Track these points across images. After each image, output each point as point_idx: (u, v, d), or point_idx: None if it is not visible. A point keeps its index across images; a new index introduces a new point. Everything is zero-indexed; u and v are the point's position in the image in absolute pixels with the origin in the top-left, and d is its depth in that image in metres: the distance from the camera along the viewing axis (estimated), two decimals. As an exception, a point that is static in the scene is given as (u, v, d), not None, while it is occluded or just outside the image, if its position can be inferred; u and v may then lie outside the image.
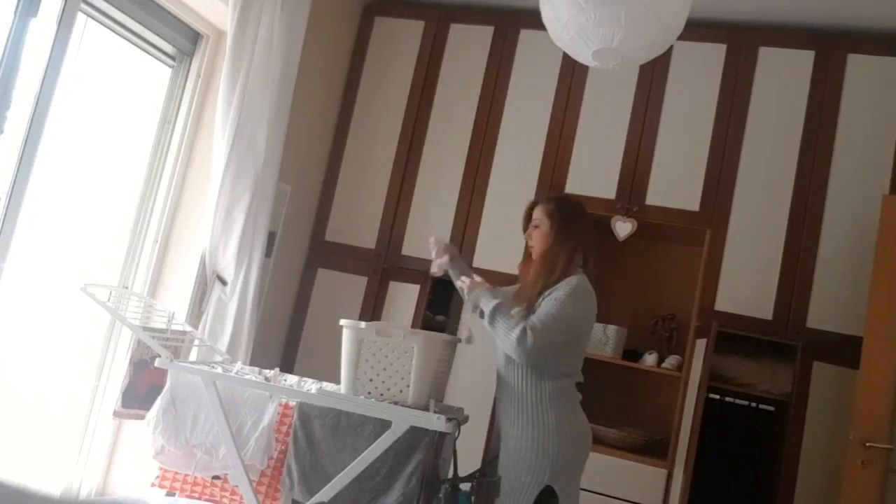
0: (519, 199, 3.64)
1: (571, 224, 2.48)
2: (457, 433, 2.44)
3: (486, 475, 2.46)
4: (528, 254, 2.62)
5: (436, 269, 2.66)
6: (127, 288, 3.14)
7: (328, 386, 2.64)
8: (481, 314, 2.40)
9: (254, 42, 3.12)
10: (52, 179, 2.80)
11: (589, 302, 2.44)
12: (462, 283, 2.51)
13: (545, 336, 2.29)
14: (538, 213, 2.53)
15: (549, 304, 2.35)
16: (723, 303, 3.35)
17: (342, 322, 2.42)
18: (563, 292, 2.36)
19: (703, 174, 3.47)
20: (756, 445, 3.49)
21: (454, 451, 2.53)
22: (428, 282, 3.73)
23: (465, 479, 2.46)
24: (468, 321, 2.49)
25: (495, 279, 3.59)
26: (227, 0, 3.05)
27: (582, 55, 2.41)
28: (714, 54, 3.55)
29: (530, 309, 2.38)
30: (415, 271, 3.76)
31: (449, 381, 2.67)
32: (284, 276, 3.79)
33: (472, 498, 2.44)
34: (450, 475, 2.51)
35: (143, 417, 2.73)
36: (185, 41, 3.29)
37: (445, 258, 2.64)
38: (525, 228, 2.60)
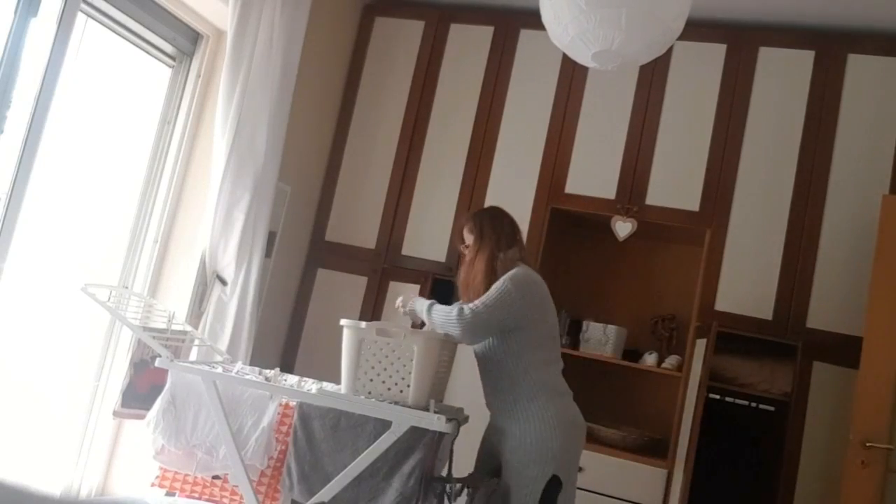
0: (519, 199, 3.65)
1: (493, 231, 2.59)
2: (456, 433, 2.44)
3: (482, 478, 2.48)
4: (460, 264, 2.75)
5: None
6: (127, 288, 3.14)
7: (328, 386, 2.64)
8: (422, 323, 2.57)
9: (254, 42, 3.12)
10: (52, 179, 2.80)
11: (531, 287, 2.49)
12: (399, 303, 2.65)
13: (482, 312, 2.38)
14: (465, 233, 2.66)
15: (491, 289, 2.45)
16: (723, 303, 3.35)
17: (342, 322, 2.42)
18: (500, 281, 2.45)
19: (703, 174, 3.47)
20: (756, 445, 3.50)
21: (451, 452, 2.53)
22: (428, 282, 3.73)
23: (460, 481, 2.46)
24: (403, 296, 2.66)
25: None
26: (227, 0, 3.05)
27: (581, 57, 2.41)
28: (714, 54, 3.55)
29: None
30: (415, 271, 3.76)
31: (449, 381, 2.67)
32: (284, 276, 3.79)
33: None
34: (443, 475, 2.51)
35: (143, 417, 2.73)
36: (185, 41, 3.29)
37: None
38: (459, 247, 2.73)
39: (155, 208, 3.26)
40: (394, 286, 3.79)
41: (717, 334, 3.15)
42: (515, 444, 2.40)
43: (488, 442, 2.56)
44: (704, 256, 3.38)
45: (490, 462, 2.52)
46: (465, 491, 2.47)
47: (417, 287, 3.74)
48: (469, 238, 2.62)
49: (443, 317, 2.42)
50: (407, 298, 2.63)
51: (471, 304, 2.40)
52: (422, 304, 2.52)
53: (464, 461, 2.58)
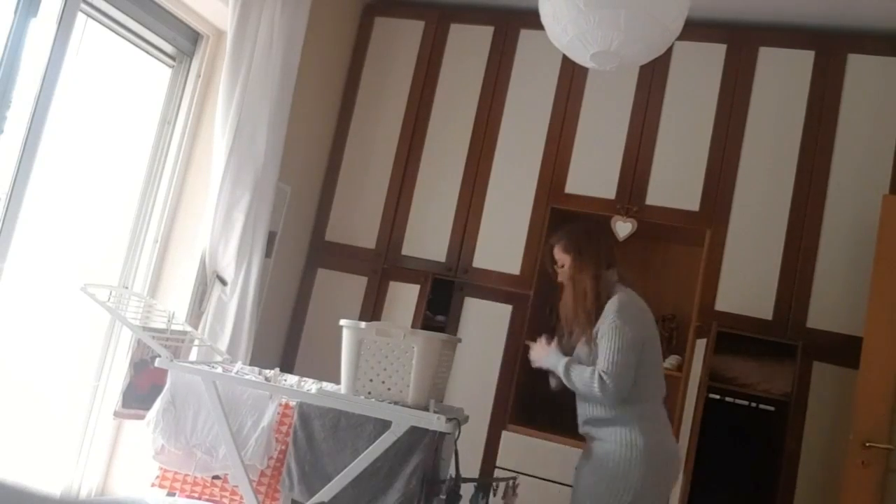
0: (519, 199, 3.66)
1: (592, 251, 2.50)
2: (457, 433, 2.44)
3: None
4: (560, 288, 2.62)
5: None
6: (127, 288, 3.14)
7: (328, 386, 2.64)
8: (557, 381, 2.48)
9: (254, 42, 3.12)
10: (52, 179, 2.80)
11: (641, 318, 2.43)
12: (533, 352, 2.54)
13: (618, 372, 2.31)
14: (558, 254, 2.55)
15: (603, 340, 2.36)
16: (723, 303, 3.35)
17: (342, 322, 2.42)
18: (610, 320, 2.36)
19: (703, 174, 3.47)
20: (756, 445, 3.49)
21: (455, 452, 2.53)
22: (428, 282, 3.73)
23: (472, 480, 2.47)
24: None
25: (495, 279, 3.61)
26: (227, 0, 3.05)
27: (580, 57, 2.41)
28: (714, 54, 3.55)
29: (585, 337, 2.43)
30: (415, 271, 3.76)
31: (449, 381, 2.67)
32: (284, 276, 3.79)
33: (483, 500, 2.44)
34: (451, 476, 2.51)
35: (143, 417, 2.73)
36: (185, 41, 3.29)
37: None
38: (552, 269, 2.61)
39: (155, 208, 3.26)
40: (394, 286, 3.79)
41: (717, 334, 3.15)
42: (596, 465, 2.37)
43: (577, 470, 2.52)
44: (704, 256, 3.38)
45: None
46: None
47: (417, 287, 3.73)
48: (565, 259, 2.49)
49: (585, 385, 2.35)
50: (538, 354, 2.52)
51: (602, 368, 2.31)
52: (557, 361, 2.43)
53: (464, 461, 2.58)
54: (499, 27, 3.86)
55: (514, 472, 2.94)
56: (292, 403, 2.61)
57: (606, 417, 2.40)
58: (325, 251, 3.93)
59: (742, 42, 3.52)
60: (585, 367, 2.38)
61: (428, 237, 3.78)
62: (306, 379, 2.75)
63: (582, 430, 2.52)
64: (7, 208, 2.56)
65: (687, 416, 3.10)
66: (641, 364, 2.39)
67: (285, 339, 3.88)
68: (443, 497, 2.40)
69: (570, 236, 2.53)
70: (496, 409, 3.45)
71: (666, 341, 3.57)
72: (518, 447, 3.24)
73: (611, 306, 2.39)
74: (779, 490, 3.17)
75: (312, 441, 2.54)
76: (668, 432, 2.47)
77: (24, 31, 2.53)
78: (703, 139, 3.50)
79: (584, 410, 2.48)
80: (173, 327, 2.72)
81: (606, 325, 2.36)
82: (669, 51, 3.43)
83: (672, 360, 3.39)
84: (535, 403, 3.54)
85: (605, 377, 2.31)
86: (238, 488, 2.57)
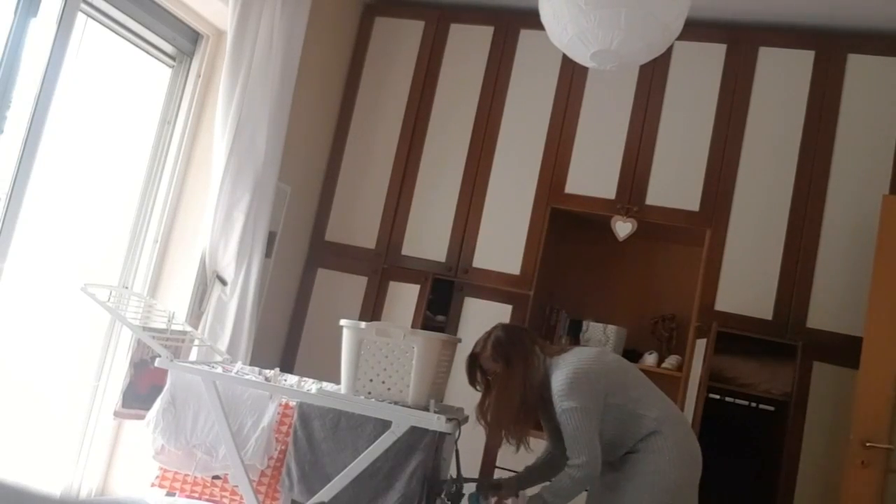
0: (519, 199, 3.66)
1: (515, 352, 2.39)
2: (457, 433, 2.44)
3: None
4: (487, 393, 2.49)
5: None
6: (127, 288, 3.14)
7: (328, 386, 2.64)
8: None
9: (254, 42, 3.12)
10: (52, 179, 2.80)
11: (586, 381, 2.32)
12: None
13: (586, 454, 2.25)
14: (486, 363, 2.44)
15: (564, 427, 2.30)
16: (723, 303, 3.35)
17: (342, 322, 2.42)
18: (559, 408, 2.30)
19: (703, 174, 3.47)
20: (756, 445, 3.49)
21: (456, 451, 2.53)
22: (428, 282, 3.73)
23: (473, 480, 2.46)
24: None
25: (495, 279, 3.61)
26: (227, 0, 3.05)
27: (581, 56, 2.41)
28: (714, 54, 3.55)
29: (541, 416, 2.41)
30: (415, 271, 3.76)
31: (449, 381, 2.67)
32: (284, 276, 3.79)
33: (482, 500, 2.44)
34: (452, 476, 2.51)
35: (143, 417, 2.73)
36: (185, 41, 3.29)
37: None
38: (471, 382, 2.51)
39: (155, 208, 3.26)
40: (394, 286, 3.79)
41: (717, 334, 3.15)
42: (631, 473, 2.32)
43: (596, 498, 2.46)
44: (704, 256, 3.38)
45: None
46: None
47: (417, 287, 3.73)
48: (494, 367, 2.40)
49: (573, 489, 2.28)
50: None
51: (576, 463, 2.25)
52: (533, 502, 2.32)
53: (464, 461, 2.57)
54: (499, 27, 3.86)
55: (514, 472, 2.94)
56: (292, 403, 2.61)
57: (628, 439, 2.35)
58: (325, 251, 3.93)
59: (742, 42, 3.53)
60: (556, 479, 2.31)
61: (428, 237, 3.78)
62: (306, 379, 2.75)
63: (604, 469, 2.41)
64: (7, 208, 2.56)
65: (687, 416, 3.09)
66: (625, 400, 2.35)
67: (285, 339, 3.87)
68: (444, 497, 2.40)
69: (495, 345, 2.41)
70: (496, 409, 3.45)
71: (666, 341, 3.58)
72: (518, 447, 3.23)
73: (558, 389, 2.31)
74: (779, 490, 3.17)
75: (312, 441, 2.54)
76: (689, 429, 2.43)
77: (24, 31, 2.53)
78: (703, 139, 3.50)
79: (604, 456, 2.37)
80: (173, 327, 2.71)
81: (559, 411, 2.30)
82: (669, 51, 3.43)
83: (672, 360, 3.39)
84: (535, 403, 3.53)
85: (581, 468, 2.24)
86: (238, 488, 2.57)
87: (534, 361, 2.38)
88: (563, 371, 2.33)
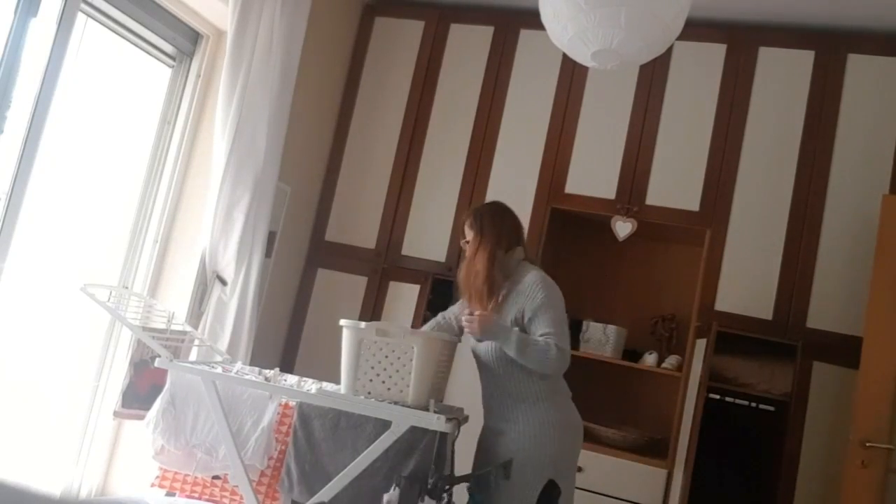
0: (519, 199, 3.65)
1: (496, 227, 2.52)
2: (456, 433, 2.44)
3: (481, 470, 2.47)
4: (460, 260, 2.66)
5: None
6: (127, 288, 3.14)
7: (328, 386, 2.64)
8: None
9: (254, 42, 3.12)
10: (52, 179, 2.80)
11: (557, 290, 2.48)
12: (468, 317, 2.43)
13: (567, 343, 2.37)
14: (466, 230, 2.57)
15: (548, 311, 2.38)
16: (723, 303, 3.35)
17: (342, 322, 2.42)
18: (544, 294, 2.39)
19: (703, 174, 3.47)
20: (756, 445, 3.49)
21: (452, 452, 2.53)
22: (428, 282, 3.73)
23: (464, 479, 2.46)
24: None
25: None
26: (227, 0, 3.05)
27: (581, 56, 2.41)
28: (714, 54, 3.55)
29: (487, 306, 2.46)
30: (415, 271, 3.76)
31: (449, 381, 2.67)
32: (284, 276, 3.79)
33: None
34: (443, 474, 2.51)
35: (143, 417, 2.73)
36: (185, 41, 3.29)
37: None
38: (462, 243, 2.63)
39: (155, 208, 3.26)
40: (394, 286, 3.79)
41: (717, 334, 3.15)
42: (513, 448, 2.39)
43: (484, 445, 2.54)
44: (704, 256, 3.38)
45: (486, 466, 2.50)
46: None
47: (417, 287, 3.74)
48: (469, 234, 2.55)
49: (541, 354, 2.32)
50: (484, 323, 2.36)
51: (557, 340, 2.32)
52: (507, 333, 2.35)
53: (464, 461, 2.58)
54: (499, 27, 3.86)
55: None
56: (292, 403, 2.61)
57: (521, 394, 2.41)
58: (325, 251, 3.93)
59: (742, 42, 3.53)
60: (535, 337, 2.36)
61: (428, 237, 3.78)
62: (306, 379, 2.75)
63: (490, 403, 2.51)
64: (7, 208, 2.56)
65: (687, 416, 3.10)
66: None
67: (285, 339, 3.88)
68: (445, 497, 2.40)
69: (475, 214, 2.57)
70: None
71: (666, 341, 3.58)
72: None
73: (536, 281, 2.42)
74: (779, 490, 3.17)
75: (312, 441, 2.54)
76: (570, 401, 2.52)
77: (24, 31, 2.53)
78: (703, 139, 3.50)
79: (498, 387, 2.46)
80: (173, 327, 2.72)
81: (542, 297, 2.38)
82: (669, 51, 3.43)
83: (672, 360, 3.39)
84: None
85: (563, 352, 2.34)
86: (238, 488, 2.57)
87: (505, 243, 2.50)
88: (539, 273, 2.47)
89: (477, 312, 2.40)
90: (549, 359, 2.32)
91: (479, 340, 2.49)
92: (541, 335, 2.35)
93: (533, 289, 2.41)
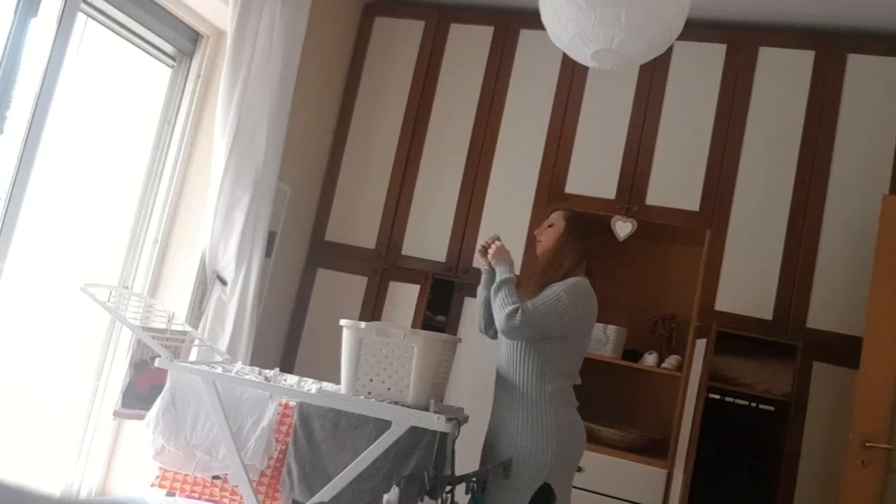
0: (519, 199, 3.66)
1: (584, 234, 2.64)
2: (456, 433, 2.44)
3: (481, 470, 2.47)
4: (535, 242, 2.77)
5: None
6: (127, 288, 3.14)
7: (328, 386, 2.64)
8: (490, 283, 2.56)
9: (254, 42, 3.12)
10: (52, 179, 2.80)
11: (587, 303, 2.52)
12: (492, 246, 2.61)
13: (534, 319, 2.39)
14: (556, 216, 2.68)
15: (547, 294, 2.46)
16: (723, 303, 3.35)
17: (342, 322, 2.42)
18: (562, 287, 2.47)
19: (703, 174, 3.47)
20: (756, 445, 3.49)
21: (452, 451, 2.53)
22: (428, 282, 3.73)
23: (464, 479, 2.46)
24: None
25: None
26: (227, 0, 3.05)
27: (581, 56, 2.41)
28: (714, 54, 3.55)
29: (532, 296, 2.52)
30: (415, 271, 3.76)
31: (449, 381, 2.67)
32: (284, 276, 3.79)
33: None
34: (443, 473, 2.51)
35: (143, 417, 2.73)
36: (185, 41, 3.29)
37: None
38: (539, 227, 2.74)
39: (155, 208, 3.26)
40: (394, 286, 3.79)
41: (717, 334, 3.15)
42: (510, 446, 2.40)
43: (487, 444, 2.56)
44: (704, 256, 3.37)
45: (487, 465, 2.50)
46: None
47: (418, 287, 3.74)
48: (560, 224, 2.63)
49: (500, 306, 2.43)
50: (501, 252, 2.57)
51: (525, 307, 2.40)
52: (503, 272, 2.51)
53: (464, 461, 2.58)
54: (499, 27, 3.86)
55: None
56: (292, 403, 2.61)
57: (526, 395, 2.44)
58: (325, 251, 3.93)
59: (742, 42, 3.53)
60: (515, 296, 2.46)
61: (428, 237, 3.78)
62: (306, 379, 2.75)
63: (496, 404, 2.56)
64: (7, 208, 2.55)
65: (687, 416, 3.10)
66: (573, 342, 2.49)
67: (285, 339, 3.88)
68: (448, 497, 2.40)
69: (579, 215, 2.67)
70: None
71: (666, 341, 3.58)
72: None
73: (571, 281, 2.50)
74: (779, 490, 3.17)
75: (312, 441, 2.54)
76: (575, 411, 2.53)
77: (24, 31, 2.53)
78: (703, 139, 3.50)
79: (505, 386, 2.52)
80: (173, 327, 2.71)
81: (556, 287, 2.48)
82: (669, 51, 3.43)
83: (672, 360, 3.39)
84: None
85: (521, 312, 2.38)
86: (238, 488, 2.57)
87: (578, 250, 2.59)
88: (583, 281, 2.54)
89: (498, 242, 2.58)
90: (503, 311, 2.40)
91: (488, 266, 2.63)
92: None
93: (562, 283, 2.49)
